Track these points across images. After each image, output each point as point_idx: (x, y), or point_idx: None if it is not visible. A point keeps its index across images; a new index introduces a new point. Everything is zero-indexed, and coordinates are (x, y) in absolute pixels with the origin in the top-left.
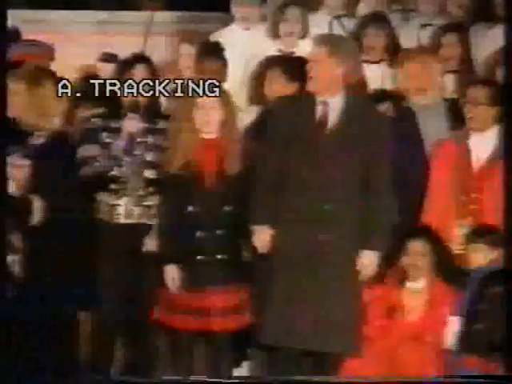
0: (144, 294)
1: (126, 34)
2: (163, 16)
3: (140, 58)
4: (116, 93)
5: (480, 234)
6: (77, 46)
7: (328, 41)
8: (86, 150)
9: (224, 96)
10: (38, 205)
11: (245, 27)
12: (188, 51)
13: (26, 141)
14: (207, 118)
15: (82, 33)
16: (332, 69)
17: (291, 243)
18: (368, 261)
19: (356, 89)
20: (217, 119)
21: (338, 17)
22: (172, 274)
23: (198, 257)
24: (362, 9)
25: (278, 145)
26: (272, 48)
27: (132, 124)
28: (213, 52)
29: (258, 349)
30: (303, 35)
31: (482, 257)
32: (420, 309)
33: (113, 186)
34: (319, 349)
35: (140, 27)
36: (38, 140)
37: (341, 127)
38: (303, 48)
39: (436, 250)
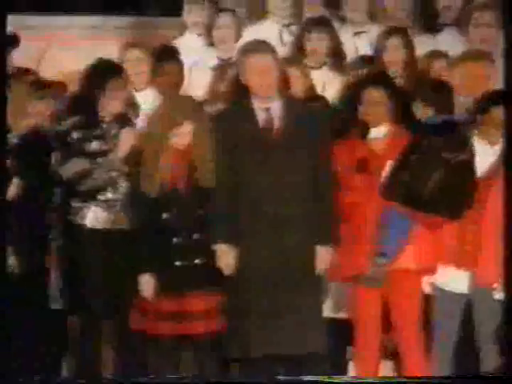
0: (124, 300)
1: (119, 39)
2: (115, 21)
3: (113, 70)
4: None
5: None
6: (70, 50)
7: (264, 48)
8: (76, 165)
9: (199, 116)
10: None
11: (197, 33)
12: (136, 56)
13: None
14: (183, 143)
15: (74, 37)
16: (275, 75)
17: (259, 253)
18: (323, 255)
19: (305, 93)
20: (189, 140)
21: (287, 25)
22: (146, 283)
23: (177, 263)
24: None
25: (228, 157)
26: (211, 55)
27: (131, 137)
28: (170, 55)
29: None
30: (237, 41)
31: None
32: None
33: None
34: (300, 352)
35: (127, 32)
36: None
37: (285, 130)
38: None
39: (392, 96)
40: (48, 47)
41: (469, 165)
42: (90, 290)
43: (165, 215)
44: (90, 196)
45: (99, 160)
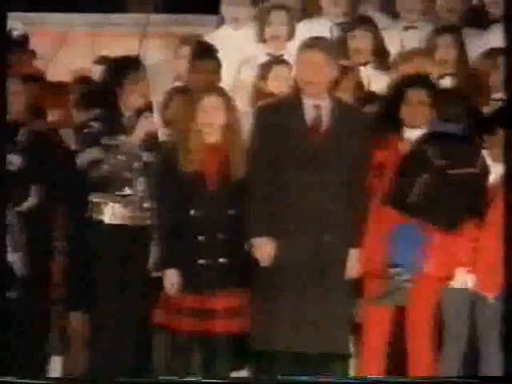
0: (145, 296)
1: (121, 36)
2: (155, 18)
3: (133, 63)
4: (112, 95)
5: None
6: (72, 48)
7: (322, 45)
8: (90, 154)
9: (226, 98)
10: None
11: (235, 28)
12: (187, 53)
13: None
14: (210, 121)
15: (77, 35)
16: (328, 72)
17: (296, 249)
18: (355, 258)
19: (353, 91)
20: (219, 122)
21: (338, 24)
22: (171, 278)
23: (200, 261)
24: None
25: (269, 152)
26: (261, 51)
27: (148, 122)
28: (207, 53)
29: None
30: (289, 38)
31: None
32: None
33: (114, 190)
34: (326, 351)
35: (135, 29)
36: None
37: (333, 129)
38: (291, 51)
39: (433, 97)
40: (57, 45)
41: (476, 178)
42: (107, 288)
43: (192, 212)
44: (104, 186)
45: (114, 149)
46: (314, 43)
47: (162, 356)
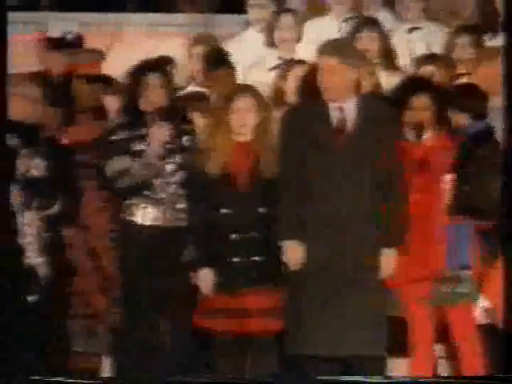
0: (180, 296)
1: (176, 37)
2: (178, 18)
3: (153, 66)
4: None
5: None
6: (128, 48)
7: (335, 48)
8: (118, 163)
9: (259, 99)
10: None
11: (259, 30)
12: (199, 53)
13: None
14: (243, 122)
15: (132, 35)
16: (346, 75)
17: (324, 252)
18: (389, 258)
19: (372, 93)
20: (252, 123)
21: (346, 20)
22: (205, 277)
23: (234, 259)
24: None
25: (296, 154)
26: (272, 55)
27: (162, 132)
28: (218, 59)
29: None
30: (298, 40)
31: None
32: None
33: (146, 192)
34: (360, 353)
35: (187, 29)
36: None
37: (358, 131)
38: (300, 53)
39: (437, 101)
40: (111, 45)
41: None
42: (142, 288)
43: (223, 210)
44: (134, 193)
45: (138, 158)
46: (328, 48)
47: (205, 356)
